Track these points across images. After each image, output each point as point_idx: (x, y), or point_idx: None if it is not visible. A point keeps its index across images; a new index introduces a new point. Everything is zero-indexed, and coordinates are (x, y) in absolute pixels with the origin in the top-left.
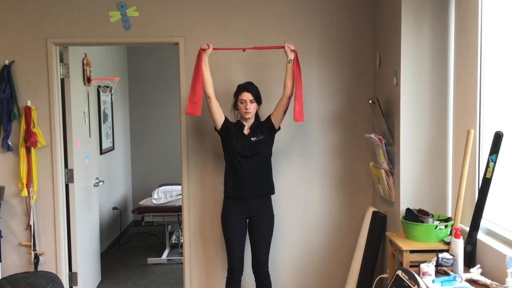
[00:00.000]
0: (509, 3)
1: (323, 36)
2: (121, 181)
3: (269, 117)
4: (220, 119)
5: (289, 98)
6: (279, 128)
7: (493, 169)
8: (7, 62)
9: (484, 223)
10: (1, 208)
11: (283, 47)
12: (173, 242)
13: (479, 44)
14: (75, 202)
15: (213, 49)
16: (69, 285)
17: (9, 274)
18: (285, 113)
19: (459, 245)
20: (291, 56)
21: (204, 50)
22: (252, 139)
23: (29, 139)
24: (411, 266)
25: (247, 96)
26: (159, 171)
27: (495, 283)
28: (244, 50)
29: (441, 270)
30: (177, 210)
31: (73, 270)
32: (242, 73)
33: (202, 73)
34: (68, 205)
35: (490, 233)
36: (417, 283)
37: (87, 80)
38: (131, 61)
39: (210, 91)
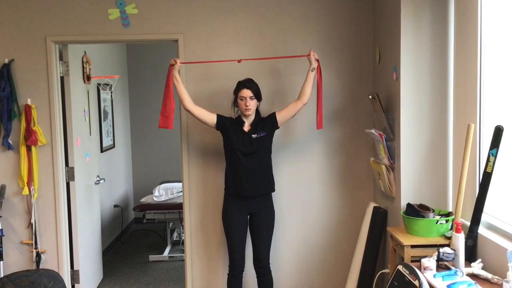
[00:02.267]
0: None
1: (323, 31)
2: (122, 179)
3: (274, 114)
4: (210, 120)
5: (305, 104)
6: (279, 127)
7: (493, 163)
8: (6, 60)
9: (485, 217)
10: (2, 207)
11: (309, 55)
12: (174, 239)
13: (479, 38)
14: (76, 200)
15: (189, 62)
16: (71, 283)
17: (11, 273)
18: (293, 116)
19: (460, 239)
20: (315, 64)
21: (173, 65)
22: (253, 136)
23: (30, 138)
24: (412, 261)
25: (246, 93)
26: (159, 169)
27: (496, 277)
28: (239, 61)
29: (442, 265)
30: (178, 207)
31: (75, 268)
32: (245, 71)
33: (171, 88)
34: (69, 203)
35: (491, 227)
36: (417, 277)
37: (87, 78)
38: (130, 58)
39: (188, 104)
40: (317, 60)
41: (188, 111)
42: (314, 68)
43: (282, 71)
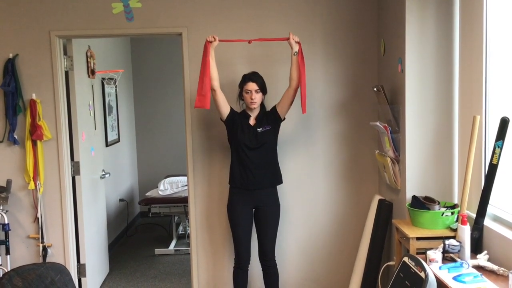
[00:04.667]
0: None
1: (327, 24)
2: (127, 173)
3: (274, 107)
4: (225, 110)
5: (296, 90)
6: (284, 118)
7: (499, 155)
8: (11, 55)
9: (490, 209)
10: (8, 201)
11: (288, 39)
12: (180, 232)
13: (484, 29)
14: (82, 194)
15: (219, 40)
16: (78, 276)
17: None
18: (291, 104)
19: (465, 231)
20: (296, 48)
21: (210, 42)
22: (258, 130)
23: (35, 132)
24: (417, 253)
25: (252, 86)
26: (165, 162)
27: (502, 268)
28: (249, 42)
29: (448, 257)
30: (184, 201)
31: (81, 262)
32: (247, 64)
33: (208, 66)
34: (75, 197)
35: (496, 219)
36: (423, 269)
37: (91, 72)
38: (134, 52)
39: (216, 83)
40: (298, 43)
41: (213, 90)
42: (296, 52)
43: (285, 62)
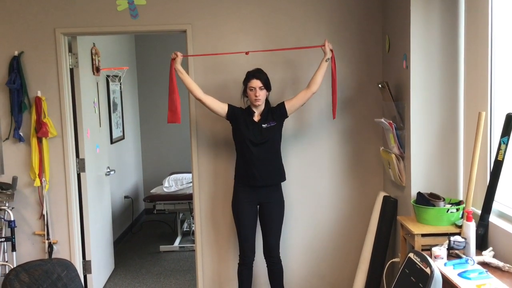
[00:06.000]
0: None
1: (332, 20)
2: (132, 170)
3: (282, 103)
4: (221, 110)
5: (314, 93)
6: (288, 116)
7: (504, 151)
8: (16, 53)
9: (496, 205)
10: (14, 198)
11: (323, 46)
12: (184, 229)
13: (490, 25)
14: (87, 191)
15: (191, 55)
16: (83, 273)
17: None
18: (302, 105)
19: (471, 228)
20: (329, 55)
21: (174, 59)
22: (263, 126)
23: (40, 130)
24: (422, 250)
25: (256, 83)
26: (169, 160)
27: (508, 265)
28: (247, 53)
29: (453, 253)
30: (188, 198)
31: (87, 258)
32: (253, 60)
33: (175, 82)
34: (80, 194)
35: (502, 215)
36: (429, 265)
37: (96, 69)
38: (139, 49)
39: (198, 93)
40: (331, 51)
41: (199, 100)
42: (328, 59)
43: (292, 61)
